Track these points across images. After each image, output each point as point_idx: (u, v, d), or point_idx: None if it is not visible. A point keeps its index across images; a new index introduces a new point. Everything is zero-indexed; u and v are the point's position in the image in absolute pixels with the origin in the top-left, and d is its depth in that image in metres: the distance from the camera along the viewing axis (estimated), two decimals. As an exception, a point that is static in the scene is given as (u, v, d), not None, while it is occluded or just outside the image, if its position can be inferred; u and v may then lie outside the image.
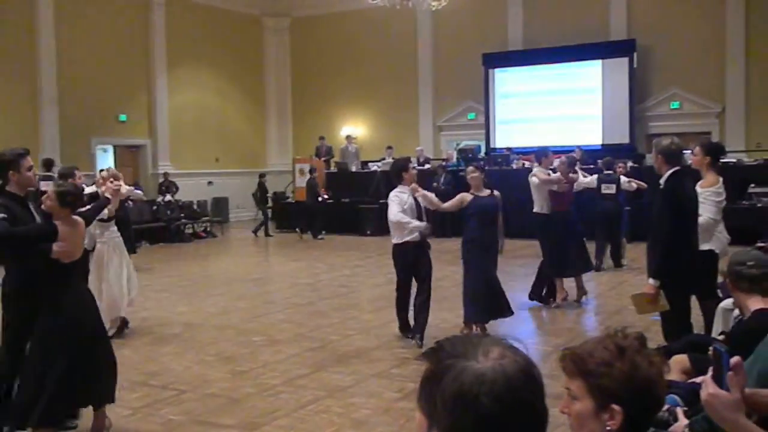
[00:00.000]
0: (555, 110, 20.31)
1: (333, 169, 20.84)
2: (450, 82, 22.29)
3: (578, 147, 17.66)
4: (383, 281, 11.70)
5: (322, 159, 21.01)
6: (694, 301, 5.89)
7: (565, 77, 20.46)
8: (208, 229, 20.25)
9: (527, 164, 17.79)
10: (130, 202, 12.87)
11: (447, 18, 21.17)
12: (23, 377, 4.87)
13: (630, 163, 16.54)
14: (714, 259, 6.17)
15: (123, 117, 20.81)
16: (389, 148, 20.47)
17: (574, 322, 8.98)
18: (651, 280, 5.39)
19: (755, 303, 3.39)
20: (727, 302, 5.43)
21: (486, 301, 7.77)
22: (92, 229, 7.43)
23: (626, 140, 19.52)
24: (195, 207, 20.64)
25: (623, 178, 12.47)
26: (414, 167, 8.12)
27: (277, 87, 25.40)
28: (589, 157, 16.44)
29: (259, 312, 9.45)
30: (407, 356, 7.00)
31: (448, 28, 21.95)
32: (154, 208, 19.44)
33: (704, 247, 5.95)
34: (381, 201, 18.77)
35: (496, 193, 7.91)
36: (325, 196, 19.23)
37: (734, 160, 15.98)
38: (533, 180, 9.51)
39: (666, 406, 2.75)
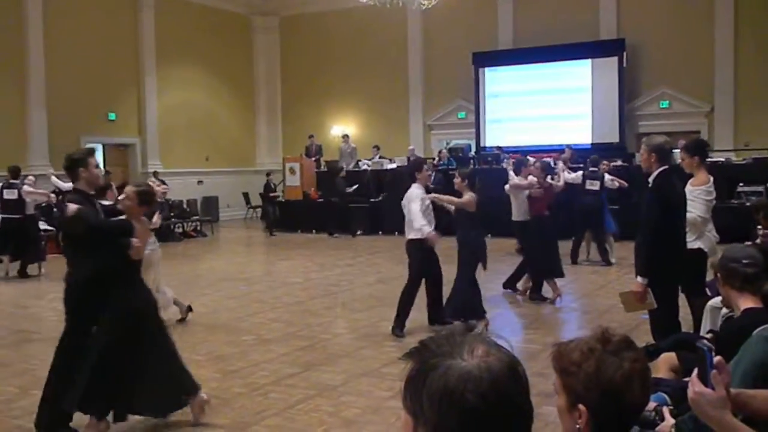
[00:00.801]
0: (545, 109, 20.36)
1: (323, 168, 20.82)
2: (440, 81, 22.31)
3: (568, 146, 17.70)
4: (373, 280, 11.70)
5: (312, 158, 20.99)
6: (682, 299, 5.91)
7: (555, 76, 20.50)
8: (198, 228, 20.20)
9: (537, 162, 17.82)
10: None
11: (437, 17, 21.18)
12: (87, 369, 4.96)
13: (619, 162, 16.70)
14: (703, 258, 6.20)
15: (112, 115, 20.73)
16: (375, 147, 20.48)
17: (563, 321, 9.01)
18: (639, 279, 5.41)
19: (746, 302, 3.38)
20: (716, 300, 5.46)
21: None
22: None
23: (616, 139, 19.60)
24: (185, 206, 20.59)
25: (607, 176, 12.92)
26: (427, 168, 8.29)
27: (267, 86, 25.36)
28: (579, 156, 16.48)
29: (249, 311, 9.44)
30: (397, 355, 6.98)
31: (438, 26, 21.96)
32: (144, 207, 19.36)
33: (693, 245, 5.98)
34: (372, 200, 18.83)
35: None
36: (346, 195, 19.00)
37: (723, 160, 16.06)
38: (507, 186, 9.88)
39: (653, 404, 2.75)
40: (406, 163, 19.43)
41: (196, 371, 6.75)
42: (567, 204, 13.81)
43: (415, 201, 7.80)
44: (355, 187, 18.77)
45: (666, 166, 5.46)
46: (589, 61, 20.12)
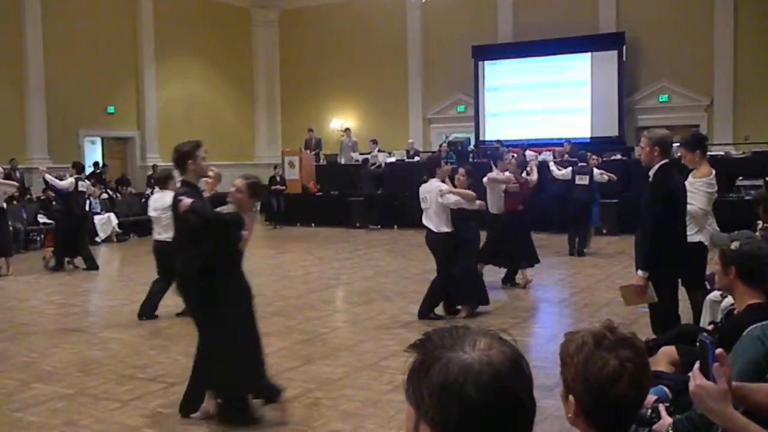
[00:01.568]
0: (544, 103, 20.34)
1: (322, 161, 20.80)
2: (439, 74, 22.28)
3: (567, 140, 17.73)
4: (372, 274, 11.71)
5: (311, 152, 20.96)
6: (682, 293, 5.91)
7: (554, 70, 20.48)
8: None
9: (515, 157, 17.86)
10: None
11: (436, 10, 21.14)
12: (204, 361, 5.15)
13: (618, 156, 16.74)
14: (703, 251, 6.20)
15: (111, 109, 20.70)
16: (373, 141, 20.46)
17: (563, 315, 9.00)
18: (640, 272, 5.40)
19: (752, 298, 3.37)
20: (715, 294, 5.46)
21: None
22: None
23: (615, 133, 19.60)
24: (183, 199, 20.54)
25: (596, 170, 13.17)
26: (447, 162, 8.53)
27: (266, 79, 25.32)
28: (578, 150, 16.49)
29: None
30: (396, 348, 6.99)
31: (437, 20, 21.92)
32: (143, 200, 19.35)
33: (693, 238, 5.97)
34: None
35: None
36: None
37: (722, 153, 16.05)
38: (484, 180, 10.04)
39: (652, 398, 2.75)
40: (405, 157, 19.46)
41: (196, 364, 6.76)
42: (562, 198, 14.08)
43: (450, 194, 8.05)
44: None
45: (667, 160, 5.46)
46: (588, 55, 20.10)
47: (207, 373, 5.21)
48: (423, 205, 8.27)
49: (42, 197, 17.18)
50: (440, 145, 20.00)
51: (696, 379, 2.09)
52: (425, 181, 8.24)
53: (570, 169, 13.44)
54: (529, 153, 18.04)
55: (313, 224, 19.15)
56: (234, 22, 24.31)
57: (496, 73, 21.39)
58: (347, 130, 21.45)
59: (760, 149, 16.16)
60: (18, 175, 17.70)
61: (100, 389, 6.08)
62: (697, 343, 2.18)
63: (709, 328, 4.16)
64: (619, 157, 16.96)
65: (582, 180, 13.03)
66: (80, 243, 13.11)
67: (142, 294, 10.49)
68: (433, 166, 8.39)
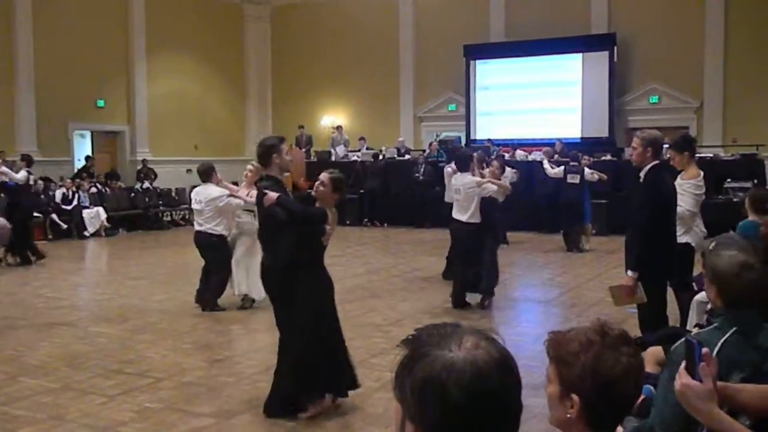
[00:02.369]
0: (535, 102, 20.36)
1: (313, 158, 20.78)
2: (431, 73, 22.28)
3: (558, 139, 17.78)
4: (362, 271, 11.71)
5: (302, 148, 20.93)
6: (670, 294, 5.94)
7: (545, 70, 20.51)
8: (187, 216, 20.14)
9: (507, 156, 17.91)
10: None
11: (428, 8, 21.16)
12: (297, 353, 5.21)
13: (608, 156, 16.82)
14: (690, 253, 6.23)
15: (101, 102, 20.59)
16: (362, 139, 20.46)
17: (551, 314, 9.03)
18: (629, 272, 5.43)
19: None
20: (702, 295, 5.49)
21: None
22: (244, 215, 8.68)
23: (605, 134, 19.65)
24: (173, 194, 20.52)
25: (587, 170, 13.62)
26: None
27: (257, 75, 25.25)
28: (569, 150, 16.54)
29: (236, 301, 9.41)
30: (385, 346, 7.01)
31: (429, 18, 21.92)
32: (132, 195, 19.32)
33: (681, 240, 6.00)
34: (361, 191, 18.81)
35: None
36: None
37: (711, 155, 16.14)
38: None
39: (642, 396, 2.77)
40: (396, 154, 19.48)
41: (184, 360, 6.76)
42: (553, 198, 14.28)
43: (488, 184, 8.60)
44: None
45: (658, 161, 5.48)
46: (579, 55, 20.14)
47: (289, 371, 5.25)
48: (455, 197, 8.62)
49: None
50: (430, 144, 20.02)
51: (682, 378, 2.10)
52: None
53: (562, 168, 13.78)
54: (519, 152, 18.12)
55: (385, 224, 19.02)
56: (225, 17, 24.22)
57: (488, 73, 21.41)
58: (339, 127, 21.43)
59: (749, 152, 16.25)
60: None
61: (87, 383, 6.06)
62: (684, 343, 2.20)
63: (695, 330, 4.18)
64: (609, 157, 17.03)
65: (573, 179, 13.43)
66: (27, 236, 12.95)
67: (131, 288, 10.49)
68: (466, 160, 8.80)
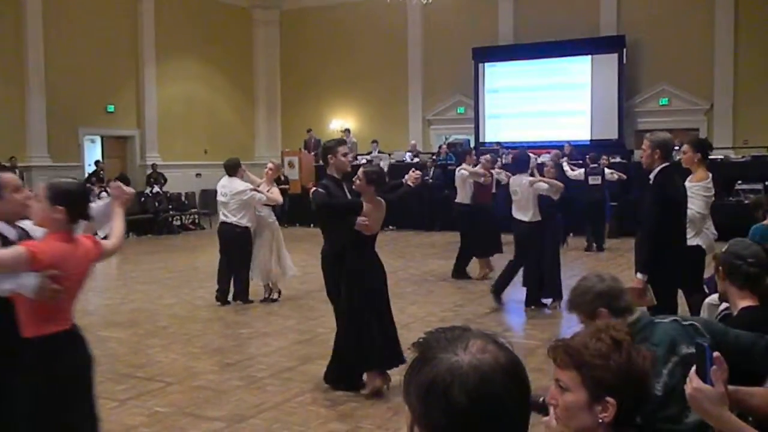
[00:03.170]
0: (544, 105, 20.34)
1: (322, 162, 20.75)
2: (439, 76, 22.28)
3: (567, 142, 17.75)
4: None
5: (311, 152, 20.94)
6: (680, 297, 5.91)
7: (554, 72, 20.49)
8: (197, 221, 20.19)
9: (483, 157, 17.84)
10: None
11: (437, 12, 21.14)
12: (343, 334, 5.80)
13: (618, 158, 16.79)
14: (701, 255, 6.20)
15: (111, 107, 20.68)
16: (374, 142, 20.47)
17: (561, 317, 8.99)
18: (639, 275, 5.40)
19: (745, 300, 3.37)
20: (713, 298, 5.45)
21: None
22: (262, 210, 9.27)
23: (615, 136, 19.60)
24: (183, 199, 20.57)
25: (606, 170, 14.20)
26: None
27: (267, 79, 25.31)
28: (578, 153, 16.52)
29: (246, 305, 9.43)
30: (395, 349, 6.99)
31: (438, 21, 21.92)
32: (142, 199, 19.37)
33: (691, 242, 5.97)
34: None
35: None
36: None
37: (721, 157, 16.06)
38: (462, 173, 11.02)
39: None
40: (409, 158, 19.45)
41: (194, 364, 6.77)
42: (570, 200, 14.10)
43: (536, 183, 8.90)
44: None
45: (668, 163, 5.45)
46: (588, 58, 20.10)
47: (341, 349, 5.79)
48: (514, 198, 8.99)
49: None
50: (440, 147, 20.01)
51: (693, 382, 2.09)
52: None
53: (583, 170, 14.25)
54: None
55: (311, 224, 19.12)
56: (235, 21, 24.30)
57: (497, 75, 21.40)
58: (346, 130, 21.44)
59: (759, 153, 16.17)
60: (17, 173, 17.70)
61: (97, 388, 6.04)
62: (695, 347, 2.19)
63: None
64: (618, 160, 16.97)
65: (595, 180, 14.02)
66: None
67: (141, 293, 10.51)
68: (523, 162, 9.24)
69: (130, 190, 4.12)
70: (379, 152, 20.03)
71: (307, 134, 21.55)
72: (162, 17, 21.50)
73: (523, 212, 8.82)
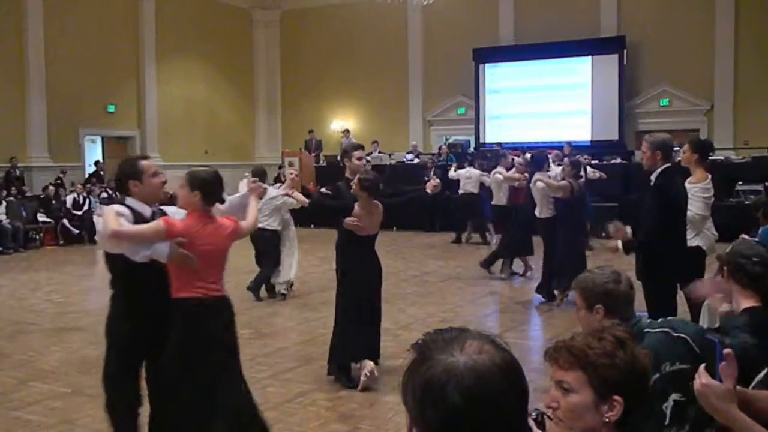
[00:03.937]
0: (545, 106, 20.34)
1: (322, 162, 20.80)
2: (440, 76, 22.29)
3: (568, 143, 17.73)
4: (371, 275, 11.68)
5: (312, 153, 20.96)
6: (680, 297, 5.90)
7: (555, 73, 20.49)
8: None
9: (517, 159, 17.86)
10: None
11: (438, 12, 21.15)
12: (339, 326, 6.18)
13: (618, 159, 16.76)
14: (701, 256, 6.19)
15: (111, 108, 20.70)
16: (375, 142, 20.48)
17: (565, 317, 8.99)
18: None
19: (748, 300, 3.37)
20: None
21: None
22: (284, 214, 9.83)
23: (615, 136, 19.60)
24: (183, 199, 20.53)
25: (588, 169, 13.88)
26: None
27: (267, 80, 25.32)
28: (578, 154, 16.49)
29: (247, 305, 9.42)
30: (394, 350, 7.00)
31: (438, 22, 21.93)
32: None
33: (691, 243, 5.96)
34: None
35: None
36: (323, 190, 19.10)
37: (722, 158, 16.06)
38: (497, 177, 11.33)
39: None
40: (410, 159, 19.45)
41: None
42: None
43: (536, 181, 9.43)
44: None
45: (669, 164, 5.44)
46: (589, 58, 20.10)
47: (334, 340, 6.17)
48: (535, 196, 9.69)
49: (41, 195, 17.19)
50: (440, 148, 20.01)
51: (702, 378, 2.09)
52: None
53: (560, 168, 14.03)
54: (528, 156, 18.07)
55: (312, 225, 19.12)
56: (235, 22, 24.31)
57: (497, 76, 21.40)
58: (346, 131, 21.45)
59: (760, 154, 16.17)
60: (18, 173, 17.71)
61: (98, 388, 6.01)
62: (707, 344, 2.19)
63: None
64: (619, 160, 16.97)
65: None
66: None
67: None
68: (541, 164, 9.92)
69: (263, 185, 5.25)
70: (379, 153, 20.03)
71: (308, 135, 21.56)
72: (162, 18, 21.51)
73: (538, 209, 9.58)
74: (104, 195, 18.07)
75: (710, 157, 7.51)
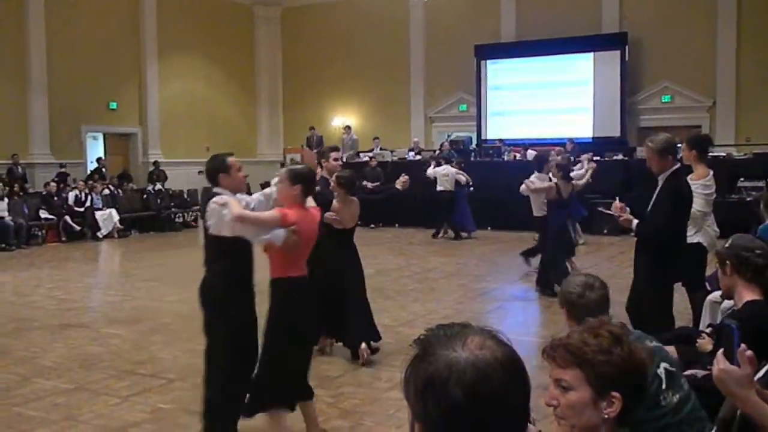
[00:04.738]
0: (546, 102, 20.32)
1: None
2: (442, 73, 22.27)
3: (570, 139, 17.72)
4: (373, 272, 11.65)
5: (314, 149, 20.93)
6: (679, 294, 5.90)
7: (556, 69, 20.46)
8: (199, 218, 20.18)
9: (518, 156, 17.86)
10: None
11: (439, 9, 21.13)
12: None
13: (620, 156, 16.71)
14: (702, 252, 6.19)
15: (113, 105, 20.70)
16: (376, 139, 20.46)
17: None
18: (633, 224, 5.38)
19: (751, 294, 3.37)
20: (715, 295, 5.45)
21: None
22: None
23: (617, 133, 19.58)
24: (185, 196, 20.58)
25: (587, 174, 13.38)
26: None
27: (268, 77, 25.31)
28: (580, 150, 16.48)
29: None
30: (396, 347, 7.01)
31: (440, 19, 21.91)
32: (144, 197, 19.39)
33: (692, 240, 5.95)
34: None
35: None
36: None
37: (724, 154, 16.04)
38: (522, 189, 10.21)
39: None
40: (410, 155, 19.44)
41: (197, 360, 6.75)
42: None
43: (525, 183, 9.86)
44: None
45: (678, 165, 5.40)
46: (591, 55, 20.08)
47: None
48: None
49: (43, 192, 17.20)
50: (441, 144, 19.97)
51: (720, 363, 2.09)
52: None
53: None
54: (530, 152, 18.06)
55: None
56: (236, 19, 24.31)
57: (499, 73, 21.38)
58: (347, 127, 21.44)
59: (762, 150, 16.14)
60: (20, 170, 17.73)
61: (100, 384, 6.09)
62: (725, 328, 2.19)
63: (708, 330, 4.16)
64: (620, 157, 16.95)
65: None
66: None
67: (144, 290, 10.52)
68: (542, 164, 10.23)
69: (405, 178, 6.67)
70: (380, 149, 20.02)
71: (310, 131, 21.55)
72: (164, 15, 21.50)
73: (533, 209, 10.13)
74: (106, 192, 18.10)
75: (711, 153, 7.48)
